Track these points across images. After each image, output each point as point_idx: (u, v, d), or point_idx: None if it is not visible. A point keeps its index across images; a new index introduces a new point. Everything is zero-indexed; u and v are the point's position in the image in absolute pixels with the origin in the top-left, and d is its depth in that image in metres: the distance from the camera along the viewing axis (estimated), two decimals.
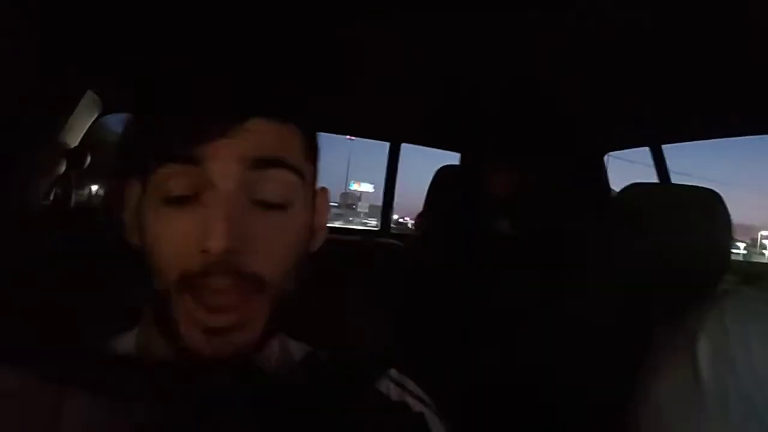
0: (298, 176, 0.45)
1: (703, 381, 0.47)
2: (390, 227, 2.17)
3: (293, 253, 0.45)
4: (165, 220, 0.42)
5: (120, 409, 0.42)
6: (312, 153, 0.49)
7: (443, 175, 1.39)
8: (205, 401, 0.42)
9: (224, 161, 0.42)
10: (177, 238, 0.42)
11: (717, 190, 0.92)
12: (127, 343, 0.49)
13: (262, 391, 0.44)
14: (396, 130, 2.02)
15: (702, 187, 0.94)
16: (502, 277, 1.12)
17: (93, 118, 1.53)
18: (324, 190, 0.52)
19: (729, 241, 0.94)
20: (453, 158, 1.89)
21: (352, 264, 1.09)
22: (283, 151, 0.45)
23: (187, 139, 0.42)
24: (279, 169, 0.44)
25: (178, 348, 0.42)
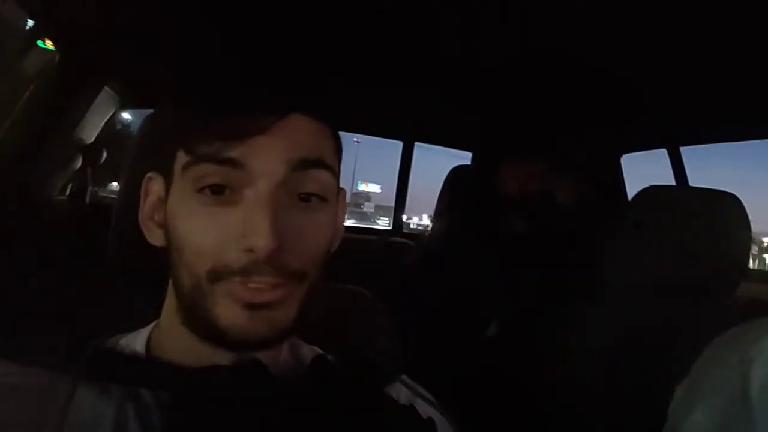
0: (334, 176, 0.46)
1: (753, 406, 0.47)
2: (402, 227, 2.16)
3: (326, 248, 0.46)
4: (202, 214, 0.42)
5: (130, 408, 0.42)
6: (339, 152, 0.49)
7: (456, 175, 1.38)
8: (214, 402, 0.42)
9: (268, 161, 0.42)
10: (215, 233, 0.41)
11: None
12: (139, 341, 0.48)
13: (269, 392, 0.44)
14: (409, 129, 2.01)
15: (721, 191, 0.92)
16: (515, 278, 1.11)
17: (109, 115, 1.55)
18: (342, 190, 0.52)
19: (748, 247, 0.92)
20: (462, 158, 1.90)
21: (365, 263, 1.09)
22: (322, 151, 0.45)
23: (228, 137, 0.41)
24: (319, 170, 0.44)
25: (209, 335, 0.43)
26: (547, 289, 1.04)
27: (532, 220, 1.16)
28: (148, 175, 0.48)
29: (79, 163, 1.47)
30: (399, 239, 1.97)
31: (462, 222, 1.28)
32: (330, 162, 0.46)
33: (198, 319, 0.43)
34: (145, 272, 0.48)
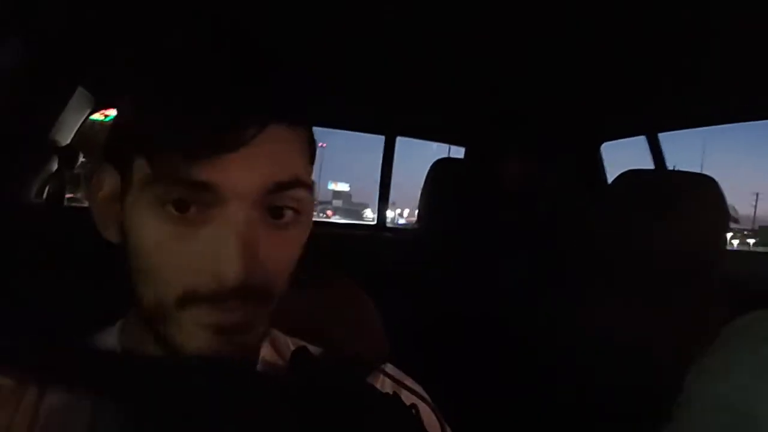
0: (310, 191, 0.43)
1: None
2: (386, 221, 2.16)
3: (295, 260, 0.45)
4: (165, 233, 0.39)
5: (104, 406, 0.41)
6: (313, 155, 0.46)
7: (441, 168, 1.38)
8: (193, 397, 0.41)
9: (241, 183, 0.38)
10: (181, 254, 0.39)
11: None
12: (109, 338, 0.48)
13: (248, 385, 0.43)
14: (392, 123, 2.01)
15: (697, 174, 0.93)
16: (510, 267, 1.12)
17: (84, 116, 1.52)
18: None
19: (724, 229, 0.94)
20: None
21: (348, 257, 1.09)
22: (298, 168, 0.42)
23: (197, 155, 0.36)
24: (296, 189, 0.41)
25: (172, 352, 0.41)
26: (543, 274, 1.05)
27: (526, 210, 1.18)
28: (103, 165, 0.44)
29: (55, 166, 1.44)
30: (382, 233, 1.97)
31: (460, 215, 1.28)
32: (305, 178, 0.42)
33: (160, 336, 0.41)
34: (117, 273, 0.47)
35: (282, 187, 0.40)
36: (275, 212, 0.41)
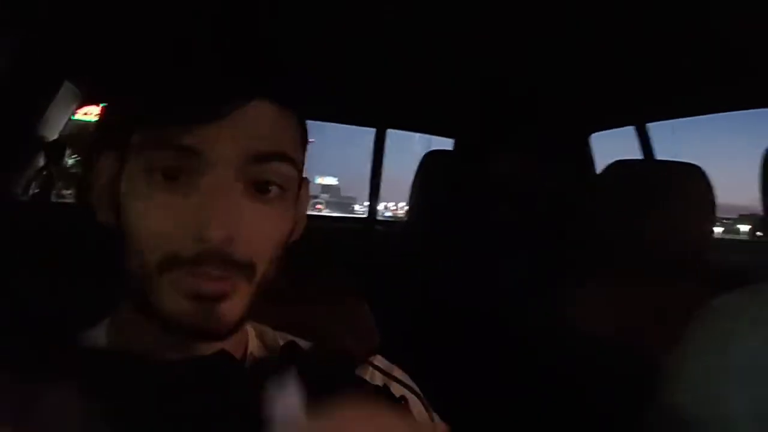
0: (296, 168, 0.45)
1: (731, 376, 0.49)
2: (377, 214, 2.16)
3: (281, 241, 0.45)
4: (153, 198, 0.41)
5: (92, 401, 0.41)
6: (304, 141, 0.48)
7: (433, 161, 1.37)
8: (179, 391, 0.41)
9: (225, 150, 0.40)
10: (167, 219, 0.40)
11: None
12: (97, 334, 0.48)
13: (235, 381, 0.43)
14: (382, 115, 2.00)
15: (684, 163, 0.94)
16: (504, 260, 1.12)
17: (71, 111, 1.50)
18: (306, 180, 0.51)
19: (711, 217, 0.95)
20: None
21: (338, 250, 1.09)
22: (284, 143, 0.44)
23: (185, 122, 0.40)
24: (280, 162, 0.43)
25: (160, 326, 0.42)
26: (541, 268, 1.05)
27: (518, 202, 1.18)
28: (103, 153, 0.47)
29: (41, 162, 1.43)
30: (374, 227, 1.97)
31: (448, 208, 1.28)
32: (292, 154, 0.44)
33: (147, 306, 0.42)
34: (105, 261, 0.47)
35: (264, 157, 0.42)
36: (261, 187, 0.43)
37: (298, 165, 0.46)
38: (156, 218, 0.41)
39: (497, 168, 1.24)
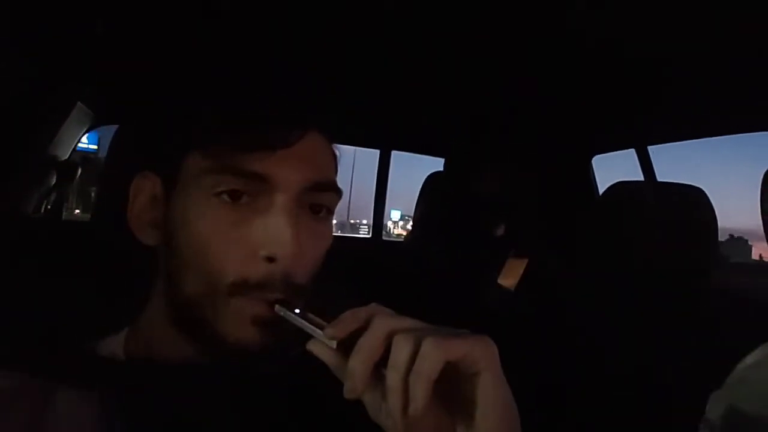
0: (338, 195, 0.49)
1: None
2: (381, 234, 2.17)
3: (323, 258, 0.48)
4: (220, 220, 0.42)
5: (111, 410, 0.42)
6: (336, 165, 0.51)
7: (433, 181, 1.40)
8: (197, 400, 0.42)
9: (290, 175, 0.43)
10: (235, 242, 0.42)
11: None
12: (114, 346, 0.48)
13: (248, 384, 0.44)
14: (386, 138, 2.03)
15: (686, 184, 0.95)
16: (492, 278, 1.13)
17: (83, 131, 1.53)
18: None
19: (713, 240, 0.95)
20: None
21: (344, 270, 1.10)
22: (331, 171, 0.48)
23: (254, 149, 0.42)
24: (330, 192, 0.47)
25: (210, 343, 0.43)
26: (522, 286, 1.06)
27: (504, 220, 1.20)
28: (141, 173, 0.48)
29: (53, 180, 1.45)
30: (378, 246, 1.98)
31: (438, 226, 1.31)
32: (335, 182, 0.48)
33: (196, 327, 0.43)
34: (122, 274, 0.48)
35: (320, 186, 0.45)
36: (313, 208, 0.46)
37: (340, 192, 0.49)
38: (224, 240, 0.42)
39: (479, 187, 1.28)
